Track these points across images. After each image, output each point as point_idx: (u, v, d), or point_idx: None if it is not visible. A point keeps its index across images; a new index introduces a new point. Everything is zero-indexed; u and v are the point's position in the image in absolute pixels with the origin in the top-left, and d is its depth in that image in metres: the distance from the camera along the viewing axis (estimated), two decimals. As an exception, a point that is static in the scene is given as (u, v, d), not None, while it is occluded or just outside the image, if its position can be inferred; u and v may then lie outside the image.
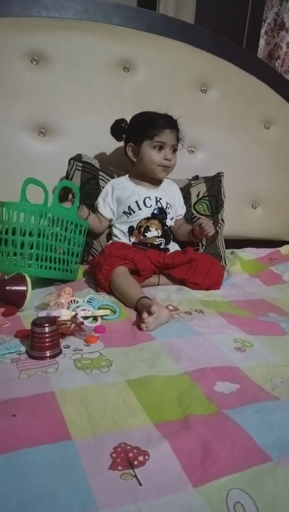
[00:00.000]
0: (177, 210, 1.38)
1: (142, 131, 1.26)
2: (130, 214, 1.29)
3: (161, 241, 1.29)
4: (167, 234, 1.32)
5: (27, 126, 1.34)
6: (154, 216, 1.29)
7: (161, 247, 1.30)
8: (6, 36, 1.28)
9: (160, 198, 1.31)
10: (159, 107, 1.27)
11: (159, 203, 1.30)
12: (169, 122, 1.26)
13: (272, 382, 0.73)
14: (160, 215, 1.30)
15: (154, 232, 1.28)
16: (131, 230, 1.29)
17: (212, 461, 0.52)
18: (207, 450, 0.54)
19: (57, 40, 1.33)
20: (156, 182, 1.34)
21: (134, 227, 1.29)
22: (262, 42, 1.92)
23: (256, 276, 1.42)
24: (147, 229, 1.28)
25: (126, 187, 1.31)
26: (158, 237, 1.29)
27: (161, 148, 1.25)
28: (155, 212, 1.29)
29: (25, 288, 0.97)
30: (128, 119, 1.31)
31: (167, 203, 1.32)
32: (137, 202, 1.28)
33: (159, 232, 1.29)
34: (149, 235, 1.28)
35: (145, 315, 0.91)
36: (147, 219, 1.28)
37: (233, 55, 1.58)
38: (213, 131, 1.58)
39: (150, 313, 0.91)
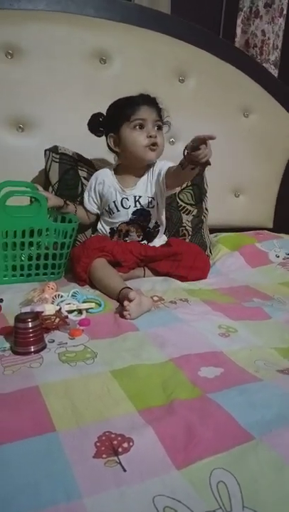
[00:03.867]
0: (162, 180, 1.21)
1: (118, 115, 1.17)
2: (111, 214, 1.25)
3: (144, 243, 1.25)
4: (150, 234, 1.27)
5: (5, 122, 1.32)
6: (132, 221, 1.23)
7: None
8: (-22, 31, 1.26)
9: (139, 197, 1.23)
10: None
11: (138, 203, 1.23)
12: (146, 99, 1.17)
13: (255, 364, 0.74)
14: (139, 218, 1.23)
15: (134, 236, 1.24)
16: (112, 231, 1.26)
17: (195, 443, 0.53)
18: (191, 433, 0.54)
19: (31, 32, 1.31)
20: (140, 173, 1.25)
21: (115, 229, 1.25)
22: (238, 30, 1.92)
23: (239, 250, 1.41)
24: (127, 233, 1.24)
25: (106, 182, 1.25)
26: (139, 241, 1.25)
27: (142, 126, 1.15)
28: (134, 217, 1.23)
29: None
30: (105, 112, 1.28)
31: (148, 198, 1.23)
32: (114, 202, 1.23)
33: (140, 236, 1.25)
34: (129, 238, 1.24)
35: (126, 303, 0.92)
36: (126, 223, 1.23)
37: (210, 44, 1.57)
38: (193, 120, 1.57)
39: (130, 301, 0.91)
